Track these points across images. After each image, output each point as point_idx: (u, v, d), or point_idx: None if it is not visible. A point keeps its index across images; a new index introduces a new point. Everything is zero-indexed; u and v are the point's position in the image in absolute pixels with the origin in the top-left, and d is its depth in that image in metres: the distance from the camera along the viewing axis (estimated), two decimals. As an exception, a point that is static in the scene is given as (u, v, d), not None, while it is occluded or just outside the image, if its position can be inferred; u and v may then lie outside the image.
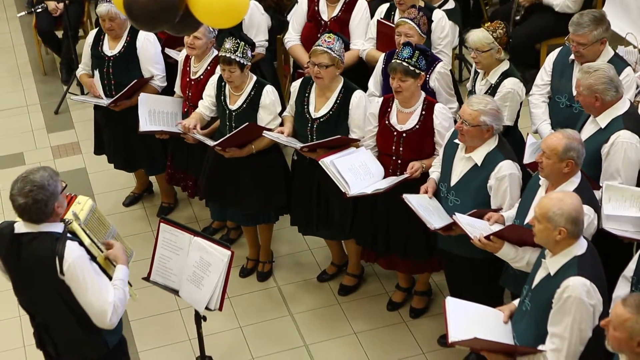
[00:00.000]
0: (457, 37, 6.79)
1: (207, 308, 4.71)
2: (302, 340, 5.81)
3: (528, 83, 5.94)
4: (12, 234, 4.12)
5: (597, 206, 4.53)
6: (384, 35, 6.15)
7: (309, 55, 5.60)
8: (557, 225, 3.95)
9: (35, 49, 9.22)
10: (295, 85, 5.75)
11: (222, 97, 5.80)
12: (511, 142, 5.13)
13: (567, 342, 3.93)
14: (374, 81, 5.91)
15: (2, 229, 4.19)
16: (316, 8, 6.51)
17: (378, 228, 5.57)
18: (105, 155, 6.85)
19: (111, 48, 6.41)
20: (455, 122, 5.28)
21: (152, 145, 6.50)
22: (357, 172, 5.30)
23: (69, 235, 4.09)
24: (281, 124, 5.75)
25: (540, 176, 4.57)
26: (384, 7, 6.37)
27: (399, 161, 5.37)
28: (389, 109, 5.40)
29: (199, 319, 4.93)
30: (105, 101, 6.36)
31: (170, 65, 6.49)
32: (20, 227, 4.11)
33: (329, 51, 5.43)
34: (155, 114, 6.17)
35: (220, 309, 4.70)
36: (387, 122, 5.37)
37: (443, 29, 6.13)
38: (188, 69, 6.18)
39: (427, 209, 4.99)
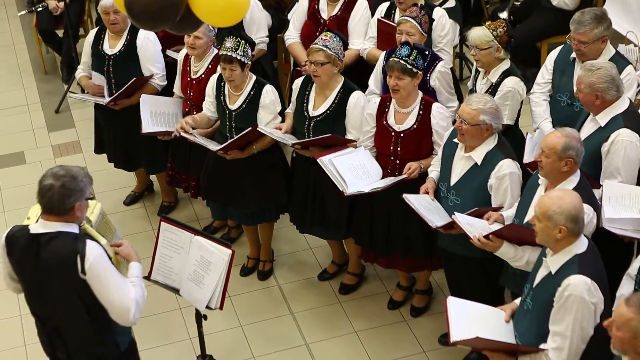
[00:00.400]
0: (458, 36, 6.78)
1: (207, 307, 4.71)
2: (303, 339, 5.81)
3: (528, 82, 5.94)
4: (28, 235, 4.08)
5: (596, 205, 4.54)
6: (384, 34, 6.15)
7: (307, 54, 5.60)
8: (557, 224, 3.95)
9: (36, 47, 9.23)
10: (298, 83, 5.76)
11: (222, 97, 5.80)
12: (512, 141, 5.13)
13: (568, 340, 3.93)
14: (375, 79, 5.91)
15: (16, 231, 4.14)
16: (316, 6, 6.52)
17: (377, 228, 5.57)
18: (105, 154, 6.86)
19: (111, 47, 6.41)
20: (455, 121, 5.29)
21: (152, 145, 6.49)
22: (355, 171, 5.30)
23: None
24: (283, 120, 5.76)
25: (539, 175, 4.57)
26: (385, 5, 6.36)
27: (397, 161, 5.37)
28: (387, 109, 5.39)
29: (199, 317, 4.94)
30: (104, 99, 6.36)
31: (169, 64, 6.49)
32: (37, 227, 4.08)
33: (325, 49, 5.43)
34: (156, 114, 6.18)
35: (221, 307, 4.70)
36: (384, 122, 5.37)
37: (443, 27, 6.13)
38: (188, 68, 6.18)
39: (427, 208, 4.99)
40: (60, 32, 8.91)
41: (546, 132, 5.28)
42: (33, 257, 4.05)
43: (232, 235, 6.63)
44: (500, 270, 4.90)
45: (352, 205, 5.65)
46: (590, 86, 4.85)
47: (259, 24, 6.54)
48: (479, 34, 5.43)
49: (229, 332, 5.85)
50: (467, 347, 4.36)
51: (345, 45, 5.70)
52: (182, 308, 5.96)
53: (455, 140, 4.97)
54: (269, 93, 5.71)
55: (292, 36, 6.64)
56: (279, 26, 7.13)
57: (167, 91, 6.45)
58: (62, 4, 8.50)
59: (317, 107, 5.59)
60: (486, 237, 4.54)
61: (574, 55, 5.49)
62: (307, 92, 5.65)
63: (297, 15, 6.64)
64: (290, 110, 5.80)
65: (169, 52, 6.56)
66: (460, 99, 5.90)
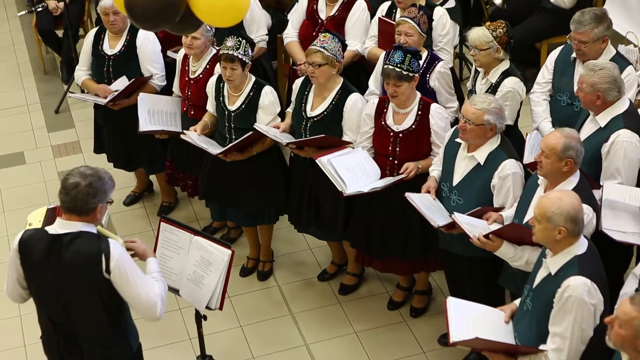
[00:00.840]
0: (458, 36, 6.78)
1: (207, 307, 4.71)
2: (303, 339, 5.81)
3: (528, 82, 5.94)
4: (48, 236, 4.05)
5: (595, 205, 4.54)
6: (385, 33, 6.15)
7: (305, 55, 5.60)
8: (556, 225, 3.95)
9: (36, 48, 9.23)
10: (297, 83, 5.76)
11: (221, 98, 5.80)
12: (511, 141, 5.13)
13: (568, 341, 3.92)
14: (375, 80, 5.91)
15: (31, 235, 4.10)
16: (315, 6, 6.52)
17: (374, 231, 5.57)
18: (105, 154, 6.86)
19: (111, 47, 6.41)
20: (457, 121, 5.29)
21: (152, 145, 6.50)
22: (353, 171, 5.30)
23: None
24: (283, 120, 5.76)
25: (539, 175, 4.57)
26: (386, 5, 6.37)
27: (396, 161, 5.37)
28: (385, 110, 5.39)
29: (199, 318, 4.93)
30: (103, 100, 6.36)
31: (168, 64, 6.49)
32: (56, 228, 4.06)
33: (322, 50, 5.42)
34: (154, 113, 6.17)
35: (221, 308, 4.70)
36: (383, 122, 5.37)
37: (444, 26, 6.13)
38: (187, 68, 6.18)
39: (429, 207, 5.00)
40: (60, 33, 8.91)
41: (546, 132, 5.29)
42: (56, 258, 4.02)
43: (231, 235, 6.63)
44: (500, 271, 4.90)
45: (349, 207, 5.65)
46: (592, 86, 4.85)
47: (258, 23, 6.55)
48: (478, 34, 5.43)
49: (228, 333, 5.85)
50: (467, 347, 4.35)
51: (344, 47, 5.70)
52: (181, 308, 5.96)
53: (458, 140, 4.97)
54: (268, 94, 5.71)
55: (290, 35, 6.64)
56: (278, 26, 7.13)
57: (166, 91, 6.44)
58: (61, 4, 8.51)
59: (315, 107, 5.59)
60: (486, 236, 4.54)
61: (574, 55, 5.49)
62: (306, 93, 5.65)
63: (296, 15, 6.65)
64: (290, 110, 5.80)
65: (169, 53, 6.56)
66: (461, 99, 5.90)
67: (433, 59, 5.75)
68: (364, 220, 5.59)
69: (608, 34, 5.41)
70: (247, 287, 6.25)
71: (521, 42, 7.39)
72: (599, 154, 4.88)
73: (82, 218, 4.03)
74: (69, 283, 4.04)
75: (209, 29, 5.98)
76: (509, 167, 4.82)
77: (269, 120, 5.71)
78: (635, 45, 6.27)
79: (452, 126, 5.33)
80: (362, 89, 5.88)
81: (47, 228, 4.09)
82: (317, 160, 5.33)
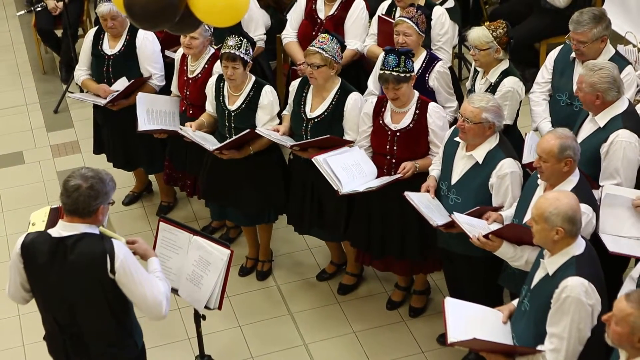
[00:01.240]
0: (457, 36, 6.79)
1: (206, 307, 4.72)
2: (302, 339, 5.81)
3: (527, 82, 5.95)
4: (52, 239, 4.04)
5: (595, 205, 4.54)
6: (385, 32, 6.15)
7: (303, 55, 5.60)
8: (554, 225, 3.95)
9: (35, 47, 9.22)
10: (294, 85, 5.76)
11: (221, 98, 5.80)
12: (510, 140, 5.13)
13: (565, 342, 3.93)
14: (374, 80, 5.90)
15: (35, 238, 4.09)
16: (314, 6, 6.52)
17: (373, 231, 5.57)
18: (104, 154, 6.86)
19: (111, 47, 6.41)
20: (456, 120, 5.29)
21: (151, 144, 6.50)
22: (350, 170, 5.30)
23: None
24: (280, 122, 5.76)
25: (541, 180, 4.56)
26: (386, 3, 6.39)
27: (393, 160, 5.37)
28: (383, 109, 5.40)
29: (198, 317, 4.93)
30: (102, 100, 6.36)
31: (167, 64, 6.49)
32: (59, 231, 4.06)
33: (321, 51, 5.42)
34: (153, 113, 6.17)
35: (220, 308, 4.71)
36: (381, 121, 5.37)
37: (443, 25, 6.14)
38: (185, 68, 6.18)
39: (428, 207, 5.00)
40: (59, 32, 8.90)
41: (545, 132, 5.29)
42: (60, 261, 4.02)
43: (230, 235, 6.63)
44: (500, 270, 4.90)
45: (350, 207, 5.65)
46: (592, 86, 4.85)
47: (256, 22, 6.55)
48: (478, 34, 5.43)
49: (227, 332, 5.85)
50: (465, 348, 4.35)
51: (343, 47, 5.70)
52: (180, 308, 5.95)
53: (457, 139, 4.97)
54: (268, 94, 5.71)
55: (289, 35, 6.64)
56: (277, 26, 7.13)
57: (165, 91, 6.44)
58: (61, 4, 8.51)
59: (315, 108, 5.59)
60: (486, 236, 4.54)
61: (573, 55, 5.50)
62: (304, 94, 5.65)
63: (295, 14, 6.65)
64: (287, 112, 5.79)
65: (168, 53, 6.56)
66: (461, 99, 5.90)
67: (432, 59, 5.75)
68: (364, 220, 5.59)
69: (607, 34, 5.41)
70: (246, 287, 6.25)
71: (520, 42, 7.39)
72: (598, 154, 4.88)
73: (84, 220, 4.03)
74: (74, 285, 4.05)
75: (208, 28, 5.98)
76: (507, 166, 4.82)
77: (268, 120, 5.70)
78: (634, 45, 6.27)
79: (451, 126, 5.34)
80: (362, 89, 5.89)
81: (49, 231, 4.09)
82: (313, 159, 5.33)
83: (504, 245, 4.53)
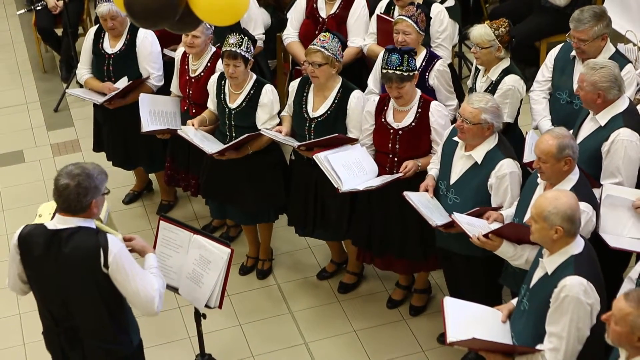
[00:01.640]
0: (457, 35, 6.79)
1: (206, 306, 4.72)
2: (302, 338, 5.81)
3: (528, 81, 5.94)
4: (47, 231, 4.08)
5: (595, 203, 4.54)
6: (384, 30, 6.15)
7: (305, 54, 5.60)
8: (553, 224, 3.95)
9: (35, 46, 9.22)
10: (294, 85, 5.75)
11: (222, 96, 5.80)
12: (511, 139, 5.13)
13: (565, 341, 3.93)
14: (374, 79, 5.90)
15: (31, 230, 4.13)
16: (315, 5, 6.52)
17: (374, 229, 5.57)
18: (104, 152, 6.85)
19: (112, 46, 6.41)
20: (454, 120, 5.29)
21: (151, 143, 6.49)
22: (350, 168, 5.30)
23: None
24: (280, 123, 5.75)
25: (541, 180, 4.56)
26: (384, 2, 6.38)
27: (396, 159, 5.37)
28: (386, 107, 5.40)
29: (198, 316, 4.94)
30: (99, 99, 6.36)
31: (165, 63, 6.48)
32: (55, 224, 4.09)
33: (322, 50, 5.42)
34: (155, 114, 6.18)
35: (220, 306, 4.71)
36: (383, 120, 5.37)
37: (442, 22, 6.14)
38: (186, 67, 6.17)
39: (427, 206, 5.00)
40: (59, 31, 8.90)
41: (545, 130, 5.29)
42: (55, 253, 4.05)
43: (231, 234, 6.63)
44: (500, 269, 4.90)
45: (352, 206, 5.65)
46: (593, 84, 4.84)
47: (255, 21, 6.54)
48: (480, 32, 5.43)
49: (228, 331, 5.85)
50: (464, 347, 4.35)
51: (344, 46, 5.69)
52: (181, 307, 5.96)
53: (456, 138, 4.97)
54: (269, 92, 5.71)
55: (290, 35, 6.63)
56: (278, 25, 7.12)
57: (163, 90, 6.44)
58: (61, 3, 8.50)
59: (317, 108, 5.59)
60: (486, 236, 4.54)
61: (574, 53, 5.49)
62: (305, 94, 5.64)
63: (296, 14, 6.64)
64: (286, 113, 5.78)
65: (166, 51, 6.56)
66: (461, 97, 5.89)
67: (432, 58, 5.75)
68: (365, 219, 5.59)
69: (607, 32, 5.41)
70: (246, 286, 6.25)
71: (521, 41, 7.38)
72: (599, 153, 4.87)
73: (78, 215, 4.06)
74: (68, 278, 4.07)
75: (209, 27, 5.98)
76: (507, 167, 4.82)
77: (267, 119, 5.70)
78: (634, 44, 6.27)
79: (451, 124, 5.34)
80: (365, 86, 5.90)
81: (46, 223, 4.12)
82: (314, 157, 5.33)
83: (504, 245, 4.53)
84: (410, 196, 5.04)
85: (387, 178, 5.31)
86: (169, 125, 6.15)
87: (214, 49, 6.12)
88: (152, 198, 7.18)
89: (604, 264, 4.15)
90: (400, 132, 5.32)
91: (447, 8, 6.43)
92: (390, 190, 5.26)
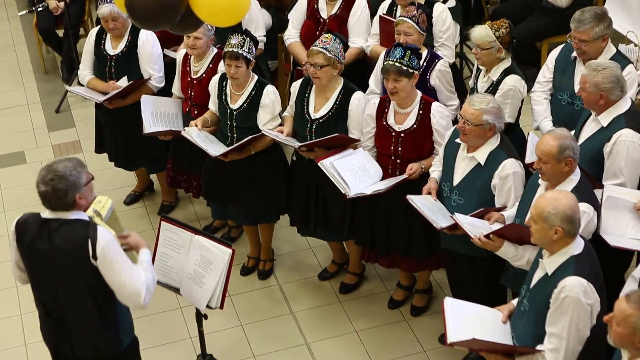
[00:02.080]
0: (458, 35, 6.79)
1: (208, 306, 4.72)
2: (303, 338, 5.81)
3: (529, 82, 5.94)
4: (40, 220, 4.14)
5: (596, 204, 4.53)
6: (386, 31, 6.15)
7: (307, 55, 5.60)
8: (552, 225, 3.95)
9: (36, 47, 9.23)
10: (296, 86, 5.75)
11: (224, 97, 5.80)
12: (512, 139, 5.13)
13: (565, 341, 3.93)
14: (375, 79, 5.91)
15: (27, 217, 4.20)
16: (315, 5, 6.52)
17: (377, 228, 5.58)
18: (106, 153, 6.86)
19: (114, 47, 6.42)
20: (455, 121, 5.28)
21: (153, 144, 6.49)
22: (356, 173, 5.31)
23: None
24: (281, 124, 5.76)
25: (542, 180, 4.56)
26: (386, 3, 6.38)
27: (398, 161, 5.37)
28: (386, 110, 5.39)
29: (200, 317, 4.94)
30: (99, 98, 6.37)
31: (167, 64, 6.49)
32: (48, 214, 4.14)
33: (324, 51, 5.42)
34: (157, 115, 6.18)
35: (221, 307, 4.71)
36: (384, 122, 5.37)
37: (444, 22, 6.14)
38: (188, 68, 6.18)
39: (431, 209, 4.99)
40: (60, 32, 8.91)
41: (546, 130, 5.29)
42: (45, 242, 4.10)
43: (232, 234, 6.63)
44: (503, 271, 4.90)
45: (354, 206, 5.65)
46: (596, 86, 4.84)
47: (257, 23, 6.55)
48: (481, 33, 5.43)
49: (229, 332, 5.86)
50: (464, 348, 4.35)
51: (346, 47, 5.69)
52: (182, 307, 5.96)
53: (458, 140, 4.97)
54: (270, 93, 5.71)
55: (291, 36, 6.64)
56: (279, 26, 7.13)
57: (165, 92, 6.44)
58: (62, 4, 8.50)
59: (318, 109, 5.59)
60: (487, 236, 4.54)
61: (575, 54, 5.49)
62: (306, 95, 5.65)
63: (296, 15, 6.65)
64: (288, 113, 5.79)
65: (166, 52, 6.56)
66: (464, 95, 5.89)
67: (433, 58, 5.75)
68: (368, 218, 5.59)
69: (608, 33, 5.41)
70: (247, 286, 6.25)
71: (521, 42, 7.39)
72: (601, 154, 4.87)
73: (68, 211, 4.11)
74: (58, 268, 4.12)
75: (210, 28, 5.98)
76: (510, 167, 4.82)
77: (269, 119, 5.70)
78: (635, 45, 6.27)
79: (452, 124, 5.34)
80: (366, 87, 5.90)
81: (41, 213, 4.17)
82: (319, 164, 5.34)
83: (505, 245, 4.53)
84: (414, 200, 5.04)
85: (392, 181, 5.31)
86: (171, 126, 6.15)
87: (215, 50, 6.12)
88: (154, 199, 7.18)
89: (604, 265, 4.15)
90: (402, 134, 5.32)
91: (448, 8, 6.43)
92: (395, 190, 5.26)
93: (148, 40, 6.35)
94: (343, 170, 5.28)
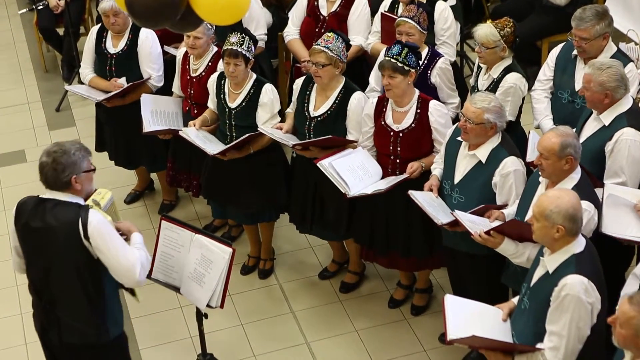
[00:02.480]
0: (459, 34, 6.78)
1: (208, 305, 4.71)
2: (304, 337, 5.80)
3: (529, 80, 5.94)
4: (37, 199, 4.21)
5: (597, 202, 4.53)
6: (388, 29, 6.14)
7: (309, 54, 5.59)
8: (554, 223, 3.95)
9: (37, 46, 9.22)
10: (298, 83, 5.75)
11: (222, 95, 5.80)
12: (513, 137, 5.13)
13: (565, 340, 3.93)
14: (375, 77, 5.89)
15: (28, 199, 4.28)
16: (315, 3, 6.52)
17: (377, 227, 5.57)
18: (106, 152, 6.85)
19: (114, 46, 6.42)
20: (456, 119, 5.28)
21: (153, 142, 6.49)
22: (355, 172, 5.30)
23: None
24: (283, 120, 5.75)
25: (541, 177, 4.56)
26: (388, 0, 6.37)
27: (398, 160, 5.37)
28: (384, 109, 5.38)
29: (200, 316, 4.93)
30: (98, 97, 6.37)
31: (166, 62, 6.48)
32: (47, 195, 4.19)
33: (326, 50, 5.41)
34: (157, 114, 6.18)
35: (222, 306, 4.70)
36: (382, 122, 5.36)
37: (446, 20, 6.13)
38: (187, 67, 6.17)
39: (432, 205, 5.00)
40: (61, 31, 8.90)
41: (547, 129, 5.28)
42: (38, 220, 4.15)
43: (232, 233, 6.63)
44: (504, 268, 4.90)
45: (352, 205, 5.64)
46: (601, 85, 4.82)
47: (257, 21, 6.54)
48: (486, 32, 5.42)
49: (229, 331, 5.85)
50: (464, 345, 4.35)
51: (348, 46, 5.68)
52: (182, 307, 5.96)
53: (459, 138, 4.97)
54: (268, 92, 5.71)
55: (291, 33, 6.63)
56: (279, 24, 7.12)
57: (165, 91, 6.44)
58: (62, 3, 8.51)
59: (318, 107, 5.59)
60: (487, 233, 4.54)
61: (575, 52, 5.49)
62: (307, 92, 5.64)
63: (297, 12, 6.64)
64: (290, 110, 5.79)
65: (167, 48, 6.56)
66: (464, 94, 5.88)
67: (434, 56, 5.75)
68: (367, 217, 5.59)
69: (609, 31, 5.40)
70: (248, 285, 6.25)
71: (522, 40, 7.36)
72: (603, 153, 4.86)
73: (63, 192, 4.16)
74: (48, 247, 4.17)
75: (210, 27, 5.97)
76: (511, 165, 4.82)
77: (268, 118, 5.70)
78: (636, 43, 6.27)
79: (453, 122, 5.33)
80: (366, 85, 5.89)
81: (40, 195, 4.23)
82: (318, 164, 5.33)
83: (506, 242, 4.52)
84: (416, 195, 5.04)
85: (393, 180, 5.30)
86: (170, 125, 6.15)
87: (215, 48, 6.12)
88: (154, 198, 7.18)
89: (605, 264, 4.14)
90: (400, 134, 5.32)
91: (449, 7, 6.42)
92: (395, 189, 5.25)
93: (148, 39, 6.35)
94: (342, 169, 5.27)
